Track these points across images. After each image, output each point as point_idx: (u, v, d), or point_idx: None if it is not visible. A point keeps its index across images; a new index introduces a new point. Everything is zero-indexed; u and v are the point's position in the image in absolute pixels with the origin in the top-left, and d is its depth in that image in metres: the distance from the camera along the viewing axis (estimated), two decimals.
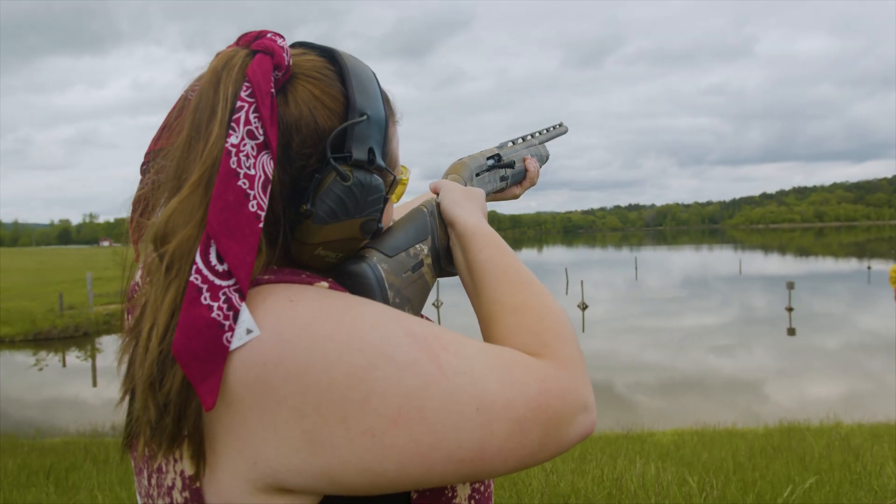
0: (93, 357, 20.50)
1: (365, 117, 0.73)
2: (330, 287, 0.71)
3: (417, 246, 0.87)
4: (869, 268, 41.82)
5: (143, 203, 0.76)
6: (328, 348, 0.61)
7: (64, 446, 8.06)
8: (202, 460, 0.62)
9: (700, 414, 10.41)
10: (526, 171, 1.23)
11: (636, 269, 46.14)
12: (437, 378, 0.63)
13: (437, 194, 0.98)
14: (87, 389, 15.80)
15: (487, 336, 0.78)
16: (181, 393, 0.61)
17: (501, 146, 1.22)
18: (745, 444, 6.50)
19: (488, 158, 1.15)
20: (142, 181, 0.77)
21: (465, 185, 1.04)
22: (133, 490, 4.89)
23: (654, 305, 27.64)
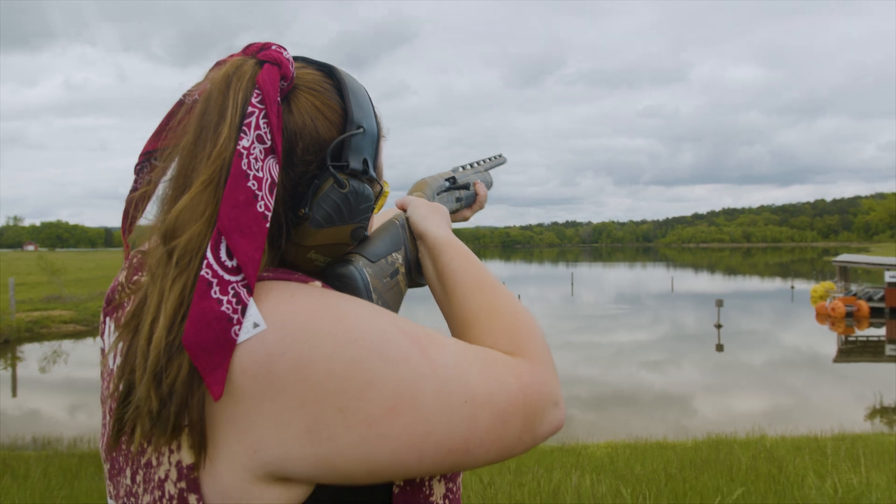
0: (13, 366, 19.68)
1: (361, 130, 0.78)
2: (322, 287, 0.74)
3: (394, 254, 0.91)
4: (792, 287, 43.44)
5: (139, 200, 0.78)
6: (327, 342, 0.64)
7: None
8: (203, 450, 0.64)
9: (632, 427, 10.63)
10: (476, 194, 1.30)
11: (572, 284, 46.91)
12: (428, 371, 0.67)
13: (405, 210, 1.02)
14: (6, 400, 15.12)
15: (460, 339, 0.82)
16: (186, 383, 0.62)
17: (455, 170, 1.29)
18: (675, 456, 6.66)
19: (445, 180, 1.22)
20: (136, 180, 0.79)
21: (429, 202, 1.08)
22: None
23: (588, 321, 28.14)
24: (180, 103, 0.77)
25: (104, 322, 0.82)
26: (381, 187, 0.86)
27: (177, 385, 0.62)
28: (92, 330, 24.80)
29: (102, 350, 0.81)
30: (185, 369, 0.62)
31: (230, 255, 0.64)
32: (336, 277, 0.81)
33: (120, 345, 0.70)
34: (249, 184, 0.66)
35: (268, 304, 0.65)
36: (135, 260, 0.80)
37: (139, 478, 0.69)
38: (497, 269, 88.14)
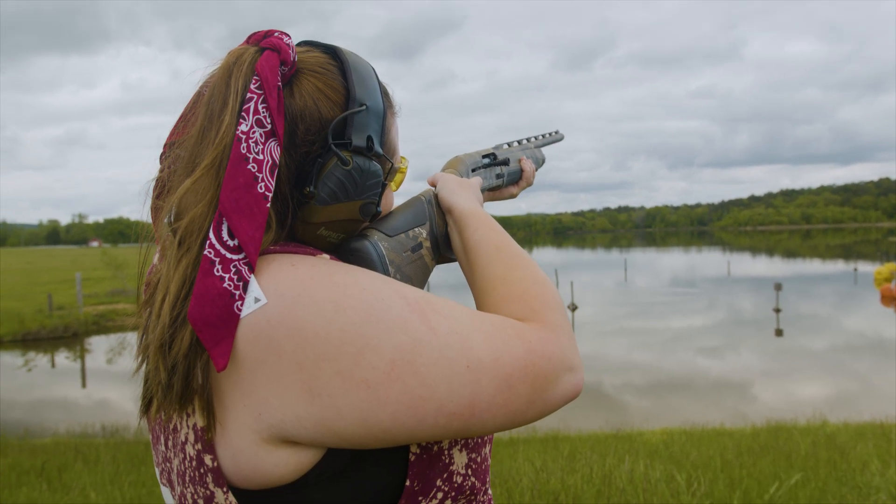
0: (82, 358, 20.39)
1: (364, 108, 0.80)
2: (330, 259, 0.76)
3: (416, 229, 0.93)
4: (855, 269, 42.10)
5: (160, 187, 0.82)
6: (325, 306, 0.67)
7: (54, 446, 8.03)
8: (212, 415, 0.68)
9: (688, 414, 10.48)
10: (522, 171, 1.27)
11: (626, 270, 46.26)
12: (427, 336, 0.68)
13: (435, 185, 1.04)
14: (77, 390, 15.71)
15: (480, 307, 0.85)
16: (188, 355, 0.67)
17: (497, 147, 1.26)
18: (732, 442, 6.56)
19: (484, 157, 1.20)
20: (160, 169, 0.83)
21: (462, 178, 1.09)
22: (125, 490, 4.90)
23: (642, 307, 27.74)
24: (198, 94, 0.81)
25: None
26: (393, 164, 0.88)
27: (179, 357, 0.66)
28: None
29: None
30: (187, 342, 0.66)
31: (231, 236, 0.67)
32: (350, 252, 0.84)
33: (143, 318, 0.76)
34: (249, 166, 0.69)
35: (268, 274, 0.68)
36: (164, 237, 0.85)
37: (170, 443, 0.74)
38: (549, 256, 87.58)
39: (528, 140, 1.35)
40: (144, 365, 0.73)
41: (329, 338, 0.65)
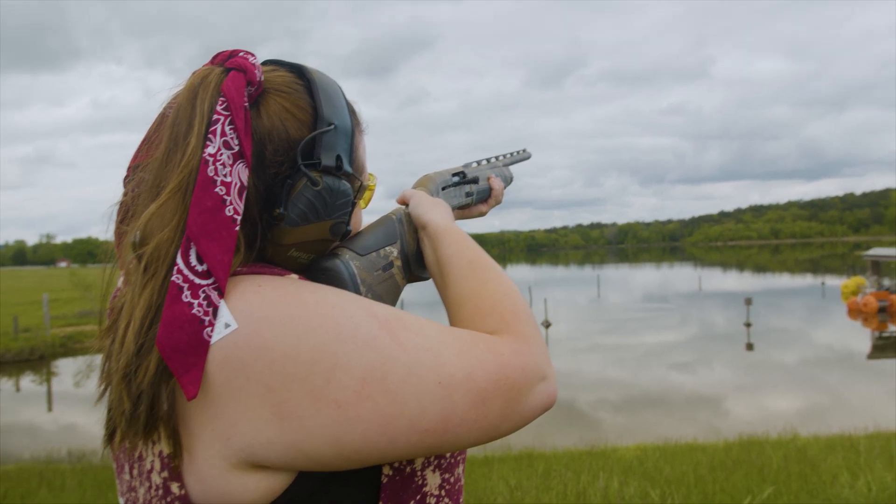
0: (48, 381, 20.00)
1: (332, 127, 0.79)
2: (299, 279, 0.75)
3: (387, 248, 0.92)
4: (823, 283, 42.72)
5: (124, 212, 0.80)
6: (294, 326, 0.66)
7: (18, 473, 7.83)
8: (178, 442, 0.66)
9: (662, 429, 10.53)
10: (490, 189, 1.27)
11: (599, 286, 46.54)
12: (398, 353, 0.68)
13: (406, 204, 1.03)
14: (42, 415, 15.38)
15: (453, 321, 0.84)
16: (154, 383, 0.64)
17: (466, 165, 1.26)
18: (705, 457, 6.59)
19: (454, 175, 1.20)
20: (124, 192, 0.81)
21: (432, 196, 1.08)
22: None
23: (616, 323, 27.93)
24: (162, 116, 0.79)
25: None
26: (362, 182, 0.87)
27: (144, 385, 0.64)
28: None
29: None
30: (153, 369, 0.64)
31: (200, 260, 0.66)
32: (320, 271, 0.83)
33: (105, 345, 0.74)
34: (217, 189, 0.67)
35: (235, 296, 0.67)
36: (128, 262, 0.83)
37: (135, 471, 0.72)
38: (523, 273, 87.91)
39: (496, 158, 1.35)
40: (107, 393, 0.71)
41: (298, 358, 0.64)
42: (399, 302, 0.95)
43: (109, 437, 0.73)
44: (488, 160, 1.33)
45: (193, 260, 0.66)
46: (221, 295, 0.66)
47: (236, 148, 0.70)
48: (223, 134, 0.69)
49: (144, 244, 0.68)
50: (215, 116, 0.70)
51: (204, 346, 0.64)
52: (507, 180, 1.36)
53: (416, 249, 0.98)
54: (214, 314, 0.65)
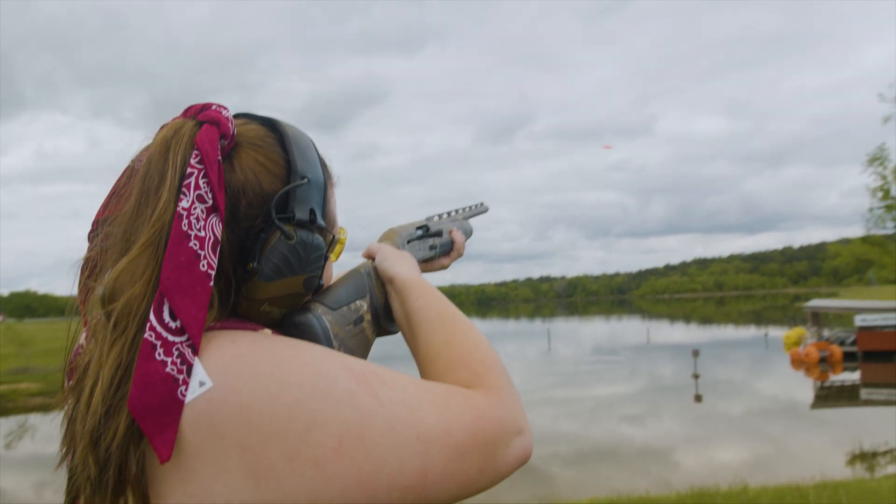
0: None
1: (306, 180, 0.79)
2: (272, 334, 0.75)
3: (357, 302, 0.92)
4: (766, 335, 43.79)
5: (91, 267, 0.78)
6: (269, 384, 0.64)
7: None
8: None
9: (614, 482, 10.50)
10: (453, 242, 1.29)
11: (549, 339, 46.79)
12: (375, 409, 0.66)
13: (372, 257, 1.03)
14: None
15: (425, 374, 0.84)
16: (122, 446, 0.61)
17: (429, 219, 1.28)
18: None
19: (417, 228, 1.22)
20: (89, 247, 0.79)
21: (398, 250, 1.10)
22: None
23: (566, 376, 28.01)
24: (129, 169, 0.78)
25: (68, 382, 0.81)
26: (334, 235, 0.87)
27: (113, 448, 0.61)
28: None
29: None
30: (122, 432, 0.61)
31: (173, 317, 0.64)
32: (294, 326, 0.82)
33: (67, 406, 0.69)
34: (191, 244, 0.66)
35: (209, 352, 0.65)
36: (95, 320, 0.79)
37: None
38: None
39: (455, 212, 1.38)
40: (69, 458, 0.67)
41: (274, 416, 0.62)
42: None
43: (72, 502, 0.68)
44: (448, 214, 1.35)
45: (167, 316, 0.64)
46: (196, 352, 0.64)
47: (210, 202, 0.69)
48: (197, 187, 0.68)
49: (114, 300, 0.65)
50: (189, 170, 0.69)
51: (178, 405, 0.61)
52: (468, 233, 1.38)
53: (385, 303, 0.98)
54: (188, 372, 0.63)
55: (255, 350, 0.67)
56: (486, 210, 1.49)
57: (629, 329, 65.69)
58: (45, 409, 23.34)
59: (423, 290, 0.93)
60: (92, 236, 0.79)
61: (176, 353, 0.63)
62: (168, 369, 0.62)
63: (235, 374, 0.64)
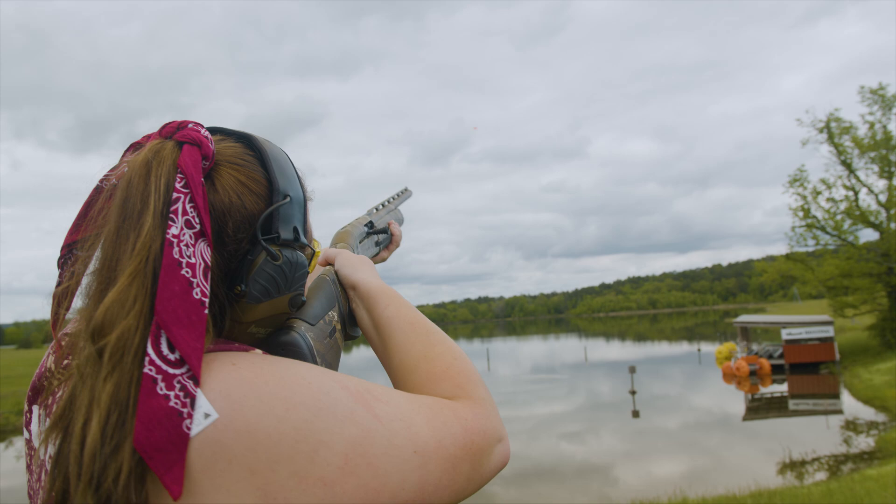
0: None
1: (288, 199, 0.78)
2: (263, 354, 0.73)
3: (330, 313, 0.92)
4: (699, 350, 44.95)
5: (63, 296, 0.74)
6: (275, 405, 0.63)
7: None
8: None
9: (555, 500, 10.51)
10: (392, 235, 1.32)
11: (488, 360, 46.98)
12: (375, 426, 0.67)
13: (332, 263, 1.03)
14: None
15: (402, 386, 0.85)
16: (127, 486, 0.58)
17: (370, 212, 1.31)
18: None
19: (364, 226, 1.24)
20: (60, 275, 0.76)
21: (354, 252, 1.11)
22: None
23: (506, 396, 28.10)
24: (98, 190, 0.74)
25: (30, 410, 0.77)
26: (313, 249, 0.86)
27: (118, 489, 0.58)
28: None
29: (28, 441, 0.77)
30: (126, 471, 0.58)
31: (172, 348, 0.62)
32: (280, 346, 0.81)
33: (51, 445, 0.64)
34: (183, 272, 0.64)
35: (210, 376, 0.64)
36: (63, 342, 0.75)
37: None
38: None
39: (389, 201, 1.42)
40: (59, 498, 0.62)
41: (282, 438, 0.62)
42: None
43: None
44: (383, 205, 1.39)
45: (165, 348, 0.62)
46: (197, 383, 0.62)
47: (198, 227, 0.67)
48: (184, 213, 0.67)
49: (105, 334, 0.62)
50: (175, 195, 0.67)
51: (184, 439, 0.59)
52: (401, 222, 1.43)
53: (349, 309, 0.98)
54: (192, 404, 0.61)
55: (257, 372, 0.66)
56: (411, 195, 1.56)
57: (567, 348, 66.50)
58: None
59: (390, 298, 0.93)
60: (61, 263, 0.76)
61: (178, 385, 0.61)
62: (171, 403, 0.60)
63: (241, 398, 0.62)
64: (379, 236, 1.28)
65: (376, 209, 1.34)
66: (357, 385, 0.71)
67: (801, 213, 32.28)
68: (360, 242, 1.18)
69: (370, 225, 1.26)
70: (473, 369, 0.84)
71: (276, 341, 0.81)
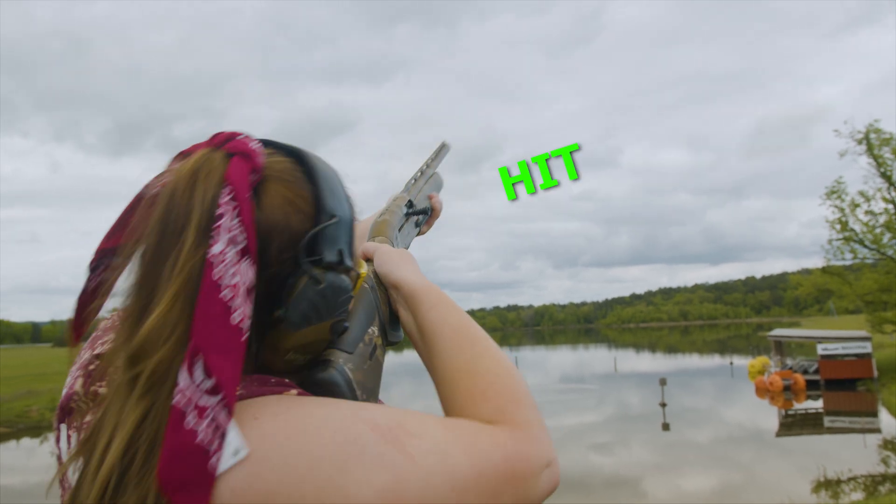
0: None
1: (335, 219, 0.74)
2: (298, 395, 0.69)
3: (370, 329, 0.86)
4: (731, 363, 44.21)
5: (89, 300, 0.73)
6: (298, 462, 0.60)
7: None
8: None
9: None
10: (433, 209, 1.25)
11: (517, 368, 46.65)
12: (408, 467, 0.63)
13: (370, 259, 0.97)
14: None
15: (445, 398, 0.79)
16: None
17: (408, 188, 1.24)
18: None
19: (404, 206, 1.17)
20: (90, 278, 0.73)
21: (393, 246, 1.04)
22: None
23: None
24: (139, 198, 0.72)
25: (58, 428, 0.75)
26: (358, 273, 0.83)
27: None
28: (16, 432, 23.40)
29: (59, 457, 0.75)
30: None
31: (207, 374, 0.58)
32: (317, 384, 0.76)
33: (75, 467, 0.63)
34: (223, 294, 0.61)
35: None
36: (91, 367, 0.75)
37: None
38: None
39: (427, 166, 1.33)
40: None
41: (305, 498, 0.59)
42: None
43: None
44: (421, 172, 1.31)
45: (199, 375, 0.58)
46: (230, 414, 0.59)
47: (243, 243, 0.63)
48: (229, 229, 0.63)
49: (140, 360, 0.60)
50: (219, 210, 0.63)
51: (210, 478, 0.57)
52: (440, 187, 1.35)
53: (390, 312, 0.93)
54: (222, 439, 0.58)
55: (279, 425, 0.62)
56: (449, 149, 1.45)
57: (596, 358, 65.92)
58: None
59: (436, 299, 0.88)
60: (93, 266, 0.74)
61: (209, 417, 0.58)
62: (199, 439, 0.57)
63: (261, 456, 0.59)
64: (419, 216, 1.21)
65: (414, 179, 1.26)
66: (388, 420, 0.66)
67: (838, 226, 31.59)
68: (399, 230, 1.12)
69: (409, 204, 1.19)
70: (521, 386, 0.79)
71: (313, 379, 0.76)
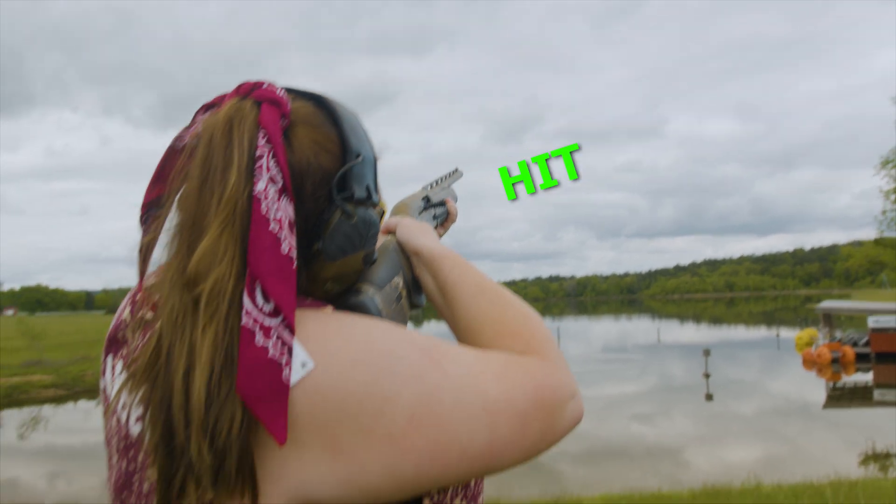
0: None
1: (360, 158, 0.79)
2: (333, 311, 0.75)
3: (395, 279, 0.93)
4: (778, 335, 43.51)
5: (146, 251, 0.77)
6: (341, 362, 0.65)
7: None
8: (256, 492, 0.62)
9: (624, 480, 10.45)
10: (448, 212, 1.32)
11: (559, 338, 46.68)
12: (443, 382, 0.68)
13: (393, 231, 1.03)
14: None
15: (469, 345, 0.83)
16: (241, 434, 0.61)
17: (425, 188, 1.32)
18: None
19: (421, 199, 1.25)
20: (144, 230, 0.78)
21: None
22: None
23: (576, 375, 27.62)
24: (172, 149, 0.77)
25: (105, 360, 0.80)
26: (383, 209, 0.87)
27: (233, 438, 0.60)
28: (73, 394, 24.28)
29: (104, 389, 0.79)
30: (238, 420, 0.61)
31: (266, 299, 0.64)
32: (350, 308, 0.81)
33: (137, 393, 0.67)
34: (271, 227, 0.66)
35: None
36: (138, 296, 0.78)
37: None
38: None
39: (442, 179, 1.41)
40: (154, 451, 0.63)
41: (348, 395, 0.64)
42: None
43: (176, 493, 0.63)
44: (437, 182, 1.38)
45: (260, 299, 0.63)
46: (293, 333, 0.64)
47: (280, 183, 0.68)
48: (268, 169, 0.68)
49: (199, 282, 0.64)
50: (258, 152, 0.68)
51: (285, 389, 0.62)
52: (455, 199, 1.42)
53: (413, 277, 0.98)
54: (289, 354, 0.63)
55: (325, 330, 0.68)
56: (461, 175, 1.53)
57: (639, 328, 65.47)
58: (57, 400, 23.54)
59: (455, 261, 0.93)
60: (143, 220, 0.78)
61: (275, 336, 0.63)
62: (271, 354, 0.62)
63: (323, 369, 0.65)
64: (437, 209, 1.28)
65: (430, 186, 1.35)
66: (425, 342, 0.71)
67: (892, 196, 30.70)
68: (418, 215, 1.18)
69: (427, 199, 1.26)
70: (545, 329, 0.83)
71: (347, 303, 0.82)
